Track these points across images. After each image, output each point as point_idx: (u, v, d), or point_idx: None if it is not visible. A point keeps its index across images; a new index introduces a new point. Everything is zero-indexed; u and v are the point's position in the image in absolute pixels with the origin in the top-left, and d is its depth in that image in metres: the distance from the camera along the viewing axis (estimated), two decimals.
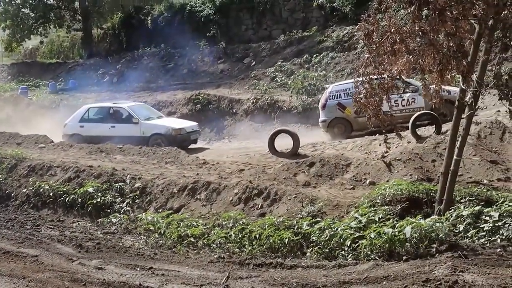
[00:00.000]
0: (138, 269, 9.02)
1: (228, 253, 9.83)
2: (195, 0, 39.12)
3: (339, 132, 19.78)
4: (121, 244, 10.80)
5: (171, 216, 11.61)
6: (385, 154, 13.17)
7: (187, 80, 34.08)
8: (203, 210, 12.06)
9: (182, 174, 13.87)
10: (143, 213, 12.19)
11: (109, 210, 12.89)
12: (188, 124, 22.42)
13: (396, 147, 13.94)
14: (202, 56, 36.44)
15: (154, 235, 11.03)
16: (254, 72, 31.60)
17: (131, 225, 11.94)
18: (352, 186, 12.12)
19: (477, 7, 8.55)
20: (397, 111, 18.36)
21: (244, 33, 37.46)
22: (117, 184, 13.68)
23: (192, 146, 21.77)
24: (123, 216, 12.32)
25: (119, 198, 13.21)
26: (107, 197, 13.20)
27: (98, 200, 13.14)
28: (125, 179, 13.84)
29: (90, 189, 13.41)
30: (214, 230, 10.77)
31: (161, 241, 10.77)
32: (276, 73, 30.34)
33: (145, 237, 11.17)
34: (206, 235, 10.62)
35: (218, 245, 10.20)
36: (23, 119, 29.02)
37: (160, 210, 12.36)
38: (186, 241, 10.54)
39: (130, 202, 13.02)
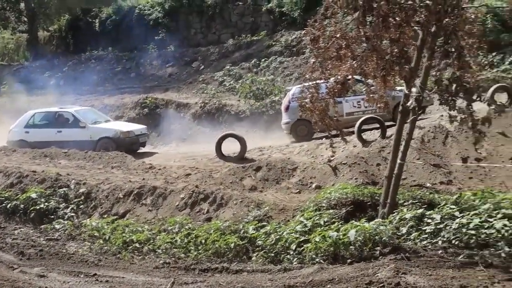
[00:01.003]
0: (82, 276, 8.85)
1: (173, 259, 9.75)
2: (144, 3, 38.77)
3: (301, 133, 19.77)
4: (64, 251, 10.58)
5: (116, 221, 11.49)
6: (331, 158, 13.29)
7: (135, 84, 33.75)
8: (149, 215, 11.95)
9: (128, 179, 13.72)
10: (88, 219, 12.02)
11: (52, 216, 12.65)
12: (136, 127, 22.23)
13: (342, 151, 14.10)
14: (150, 60, 36.13)
15: (99, 241, 10.86)
16: (203, 76, 31.53)
17: (75, 231, 11.73)
18: (298, 190, 12.19)
19: (420, 14, 8.70)
20: (360, 112, 18.59)
21: (193, 37, 37.32)
22: (61, 189, 13.45)
23: (140, 150, 21.55)
24: (67, 222, 12.10)
25: (63, 204, 12.98)
26: (51, 203, 12.96)
27: (42, 206, 12.88)
28: (70, 185, 13.61)
29: (33, 195, 13.13)
30: (159, 235, 10.68)
31: (105, 247, 10.60)
32: (225, 77, 30.33)
33: (89, 244, 10.98)
34: (151, 241, 10.52)
35: (164, 250, 10.11)
36: None
37: (105, 216, 12.20)
38: (131, 247, 10.42)
39: (75, 208, 12.82)
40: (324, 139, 16.01)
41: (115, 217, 11.95)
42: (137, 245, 10.40)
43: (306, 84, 10.21)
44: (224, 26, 36.84)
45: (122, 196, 12.64)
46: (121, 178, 14.01)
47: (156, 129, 26.64)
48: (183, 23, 37.55)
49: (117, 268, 9.44)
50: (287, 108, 20.30)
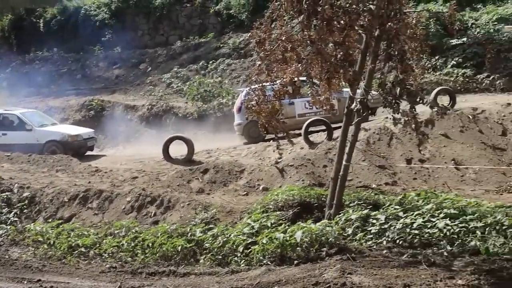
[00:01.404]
0: (25, 282, 8.69)
1: (120, 263, 9.63)
2: (90, 3, 38.21)
3: (254, 135, 19.70)
4: (7, 257, 10.35)
5: (61, 226, 11.25)
6: (279, 160, 13.38)
7: (81, 86, 33.20)
8: (95, 219, 11.81)
9: (74, 183, 13.52)
10: (32, 224, 11.75)
11: None
12: (84, 131, 21.91)
13: (289, 153, 14.20)
14: (97, 61, 35.65)
15: (43, 246, 10.64)
16: (150, 78, 31.31)
17: (19, 236, 11.46)
18: (245, 192, 12.24)
19: (364, 18, 8.83)
20: (312, 113, 18.69)
21: (140, 38, 36.95)
22: (4, 194, 13.14)
23: (88, 153, 21.23)
24: (10, 227, 11.82)
25: (6, 209, 12.69)
26: None
27: None
28: (13, 189, 13.32)
29: None
30: (106, 239, 10.54)
31: (50, 252, 10.39)
32: (172, 79, 30.17)
33: (33, 249, 10.74)
34: (97, 245, 10.36)
35: (110, 254, 9.98)
36: None
37: (50, 220, 11.97)
38: (76, 251, 10.25)
39: (18, 213, 12.54)
40: (271, 141, 16.08)
41: (60, 221, 11.72)
42: (83, 249, 10.24)
43: (253, 86, 10.24)
44: (171, 27, 36.63)
45: (67, 200, 12.44)
46: (66, 181, 13.79)
47: (103, 131, 26.27)
48: (130, 24, 37.14)
49: (62, 273, 9.28)
50: (239, 110, 20.25)
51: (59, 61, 36.65)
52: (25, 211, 12.60)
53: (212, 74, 29.72)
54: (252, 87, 10.16)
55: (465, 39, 23.52)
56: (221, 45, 32.19)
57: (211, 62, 30.84)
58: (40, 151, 19.62)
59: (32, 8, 41.59)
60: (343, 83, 9.72)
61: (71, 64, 36.08)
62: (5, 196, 13.01)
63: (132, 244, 10.03)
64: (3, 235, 11.61)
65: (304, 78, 9.99)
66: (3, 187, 13.42)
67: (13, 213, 12.51)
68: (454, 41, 23.69)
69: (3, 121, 21.61)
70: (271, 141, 16.19)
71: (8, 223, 12.13)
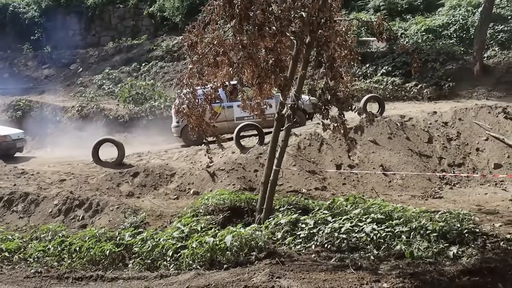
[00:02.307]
0: None
1: (46, 267, 9.39)
2: (19, 0, 37.19)
3: (192, 137, 19.45)
4: None
5: None
6: (210, 164, 13.35)
7: (8, 85, 32.19)
8: (20, 222, 11.50)
9: None
10: None
11: None
12: (13, 131, 21.14)
13: (221, 157, 14.20)
14: (25, 60, 34.71)
15: None
16: (81, 79, 30.75)
17: None
18: (176, 196, 12.17)
19: (295, 24, 8.94)
20: (250, 117, 18.63)
21: (71, 38, 36.19)
22: None
23: (17, 154, 20.60)
24: None
25: None
26: None
27: None
28: None
29: None
30: (31, 243, 10.28)
31: None
32: (104, 81, 29.73)
33: None
34: (22, 249, 10.11)
35: (36, 259, 9.73)
36: None
37: None
38: (0, 256, 9.93)
39: None
40: (202, 145, 16.04)
41: None
42: (6, 254, 9.95)
43: (184, 90, 10.20)
44: (104, 28, 36.13)
45: None
46: None
47: (31, 133, 25.51)
48: (60, 24, 36.31)
49: None
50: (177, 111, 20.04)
51: None
52: None
53: (145, 76, 29.46)
54: (184, 91, 10.13)
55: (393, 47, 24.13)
56: (154, 48, 31.97)
57: (143, 64, 30.60)
58: None
59: None
60: (274, 88, 9.84)
61: None
62: None
63: (59, 249, 9.80)
64: None
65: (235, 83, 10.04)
66: None
67: None
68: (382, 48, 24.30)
69: None
70: (202, 144, 16.17)
71: None
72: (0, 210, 11.89)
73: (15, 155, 20.20)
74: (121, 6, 35.69)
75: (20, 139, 21.04)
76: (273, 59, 8.80)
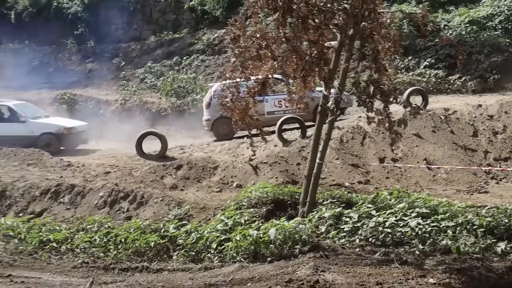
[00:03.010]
0: None
1: (92, 258, 9.55)
2: None
3: (223, 131, 19.59)
4: None
5: (32, 220, 11.12)
6: (252, 157, 13.37)
7: (53, 79, 32.79)
8: (67, 214, 11.69)
9: (45, 177, 13.37)
10: (2, 218, 11.58)
11: None
12: (79, 124, 21.57)
13: (263, 150, 14.21)
14: (69, 55, 35.30)
15: (14, 241, 10.48)
16: (123, 72, 31.12)
17: None
18: (219, 189, 12.22)
19: (338, 17, 8.88)
20: (281, 111, 18.70)
21: (114, 33, 36.64)
22: None
23: (82, 146, 20.94)
24: None
25: None
26: None
27: None
28: None
29: None
30: (78, 234, 10.43)
31: (21, 247, 10.25)
32: (146, 74, 30.05)
33: (3, 243, 10.56)
34: (69, 240, 10.26)
35: (82, 250, 9.89)
36: None
37: (21, 215, 11.82)
38: (48, 246, 10.13)
39: None
40: (245, 138, 16.08)
41: (32, 215, 11.60)
42: (54, 244, 10.12)
43: (228, 82, 10.24)
44: (145, 22, 36.46)
45: (38, 194, 12.30)
46: (37, 175, 13.63)
47: None
48: (103, 18, 36.77)
49: (33, 268, 9.16)
50: (208, 105, 20.18)
51: (31, 54, 36.14)
52: None
53: (186, 70, 29.65)
54: (226, 83, 10.16)
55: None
56: (195, 41, 32.11)
57: (185, 58, 30.78)
58: (35, 144, 19.27)
59: (2, 0, 41.00)
60: (318, 81, 9.79)
61: (43, 57, 35.64)
62: None
63: (105, 240, 9.95)
64: None
65: (278, 76, 10.02)
66: None
67: None
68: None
69: None
70: (245, 138, 16.21)
71: None
72: (47, 202, 12.12)
73: (78, 147, 20.54)
74: (162, 0, 35.93)
75: (85, 131, 21.36)
76: (316, 52, 8.76)
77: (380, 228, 8.74)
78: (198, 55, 30.70)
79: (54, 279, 8.47)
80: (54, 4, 37.39)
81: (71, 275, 8.70)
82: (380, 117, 9.21)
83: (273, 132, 16.21)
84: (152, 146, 16.70)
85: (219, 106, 19.39)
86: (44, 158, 15.76)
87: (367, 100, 9.13)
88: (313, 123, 16.69)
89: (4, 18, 39.34)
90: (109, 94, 28.91)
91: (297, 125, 16.70)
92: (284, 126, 16.45)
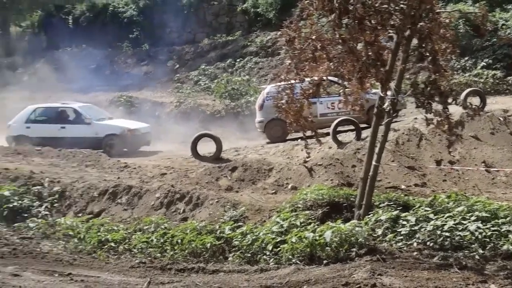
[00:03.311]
0: (57, 275, 8.71)
1: (149, 258, 9.67)
2: (118, 0, 38.51)
3: (276, 133, 19.65)
4: (38, 250, 10.42)
5: (91, 220, 11.33)
6: (307, 159, 13.32)
7: (109, 82, 33.45)
8: (124, 214, 11.87)
9: (103, 178, 13.63)
10: (62, 218, 11.85)
11: (26, 215, 12.37)
12: (142, 125, 21.98)
13: (317, 152, 14.16)
14: (125, 58, 35.97)
15: (73, 240, 10.72)
16: (178, 75, 31.50)
17: (50, 230, 11.53)
18: (274, 191, 12.21)
19: (395, 17, 8.78)
20: (334, 113, 18.64)
21: (168, 36, 37.13)
22: (35, 187, 13.21)
23: (144, 148, 21.35)
24: (41, 221, 11.88)
25: (37, 202, 12.74)
26: (24, 201, 12.68)
27: (15, 204, 12.58)
28: (44, 183, 13.42)
29: (6, 193, 12.83)
30: (135, 235, 10.57)
31: (80, 246, 10.47)
32: (200, 77, 30.35)
33: (64, 242, 10.82)
34: (127, 240, 10.41)
35: (139, 250, 10.02)
36: None
37: (80, 215, 12.05)
38: (106, 246, 10.30)
39: (49, 206, 12.61)
40: (299, 140, 16.05)
41: (90, 216, 11.81)
42: (112, 244, 10.29)
43: (281, 84, 10.24)
44: (199, 25, 36.81)
45: (97, 195, 12.53)
46: (95, 176, 13.90)
47: None
48: (157, 22, 37.35)
49: (92, 267, 9.32)
50: (261, 107, 20.26)
51: (88, 57, 36.95)
52: (55, 205, 12.68)
53: (240, 72, 29.82)
54: (281, 85, 10.17)
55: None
56: (249, 44, 32.28)
57: (238, 60, 30.97)
58: (99, 145, 19.86)
59: (61, 5, 42.06)
60: (374, 83, 9.71)
61: (100, 61, 36.38)
62: (36, 190, 13.10)
63: (161, 240, 10.05)
64: (35, 228, 11.68)
65: (333, 78, 9.98)
66: (34, 181, 13.54)
67: (44, 206, 12.57)
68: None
69: (61, 114, 21.78)
70: (299, 140, 16.18)
71: (39, 217, 12.20)
72: (105, 202, 12.33)
73: (140, 149, 20.95)
74: (215, 3, 36.23)
75: (148, 132, 21.72)
76: (373, 53, 8.68)
77: (438, 232, 8.57)
78: (252, 57, 30.85)
79: (112, 278, 8.60)
80: (110, 8, 38.17)
81: (129, 275, 8.83)
82: (439, 119, 9.06)
83: (326, 134, 16.13)
84: (206, 148, 16.84)
85: (272, 108, 19.63)
86: (102, 159, 16.08)
87: (426, 101, 8.99)
88: (367, 125, 16.63)
89: (63, 23, 40.40)
90: (164, 96, 29.30)
91: (351, 127, 16.59)
92: (338, 128, 16.34)
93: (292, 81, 9.96)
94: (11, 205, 12.59)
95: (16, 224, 12.13)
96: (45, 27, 42.21)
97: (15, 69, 38.51)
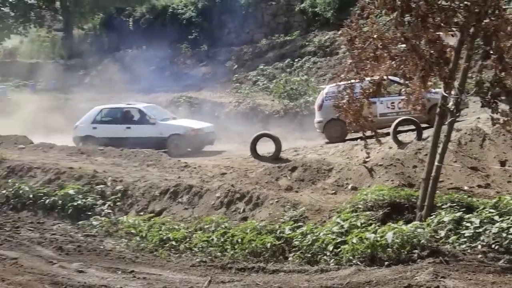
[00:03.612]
0: (119, 272, 8.88)
1: (210, 257, 9.75)
2: (178, 2, 39.01)
3: (335, 134, 19.59)
4: (102, 247, 10.66)
5: (152, 219, 11.50)
6: (367, 160, 13.19)
7: (169, 82, 33.94)
8: (185, 213, 11.98)
9: (164, 177, 13.79)
10: (125, 216, 12.05)
11: (90, 213, 12.64)
12: (205, 125, 22.22)
13: (377, 152, 13.99)
14: (184, 59, 36.42)
15: (136, 238, 10.91)
16: (236, 75, 31.69)
17: (112, 228, 11.76)
18: (334, 191, 12.13)
19: (459, 15, 8.61)
20: (393, 113, 18.44)
21: (226, 37, 37.45)
22: (98, 186, 13.46)
23: (208, 148, 21.62)
24: (104, 219, 12.13)
25: (100, 201, 12.98)
26: (88, 200, 12.95)
27: (79, 202, 12.87)
28: (107, 182, 13.67)
29: (71, 191, 13.17)
30: (196, 233, 10.66)
31: (142, 245, 10.65)
32: (258, 77, 30.45)
33: (126, 240, 11.02)
34: (188, 239, 10.51)
35: (200, 249, 10.11)
36: (1, 119, 28.78)
37: (142, 213, 12.22)
38: (167, 244, 10.44)
39: (111, 205, 12.83)
40: (359, 140, 15.89)
41: (152, 214, 11.96)
42: (173, 243, 10.42)
43: (341, 84, 10.18)
44: (257, 25, 36.97)
45: (158, 194, 12.69)
46: (157, 176, 14.08)
47: None
48: (216, 23, 37.71)
49: (154, 265, 9.47)
50: (320, 107, 20.20)
51: (148, 59, 37.55)
52: (118, 203, 12.89)
53: (298, 72, 29.79)
54: (341, 85, 10.11)
55: None
56: (307, 43, 32.22)
57: (296, 60, 30.94)
58: (163, 144, 20.27)
59: (122, 7, 42.92)
60: (437, 82, 9.55)
61: (160, 62, 36.91)
62: (99, 189, 13.37)
63: (222, 240, 10.11)
64: (98, 226, 11.94)
65: (394, 78, 9.85)
66: (97, 180, 13.82)
67: (107, 205, 12.81)
68: None
69: (126, 115, 22.22)
70: (358, 140, 16.03)
71: (102, 215, 12.46)
72: (167, 201, 12.47)
73: (203, 149, 21.27)
74: (273, 3, 36.31)
75: (212, 132, 21.97)
76: (436, 51, 8.53)
77: (504, 235, 8.37)
78: (310, 57, 30.78)
79: (174, 277, 8.71)
80: (170, 10, 38.70)
81: (190, 273, 8.92)
82: (506, 119, 8.83)
83: (386, 134, 15.93)
84: (266, 147, 16.86)
85: (331, 108, 19.56)
86: (163, 159, 16.27)
87: (492, 100, 8.78)
88: (428, 125, 16.36)
89: (124, 25, 41.23)
90: (222, 96, 29.51)
91: (411, 127, 16.35)
92: (399, 128, 16.13)
93: (352, 81, 9.88)
94: (75, 203, 12.90)
95: (80, 222, 12.44)
96: (107, 29, 43.16)
97: (77, 71, 39.49)
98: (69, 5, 44.90)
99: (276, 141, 16.50)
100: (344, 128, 19.00)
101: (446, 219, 9.08)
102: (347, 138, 18.75)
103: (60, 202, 13.18)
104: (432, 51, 8.56)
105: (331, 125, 19.58)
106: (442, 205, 9.79)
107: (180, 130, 21.06)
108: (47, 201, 13.38)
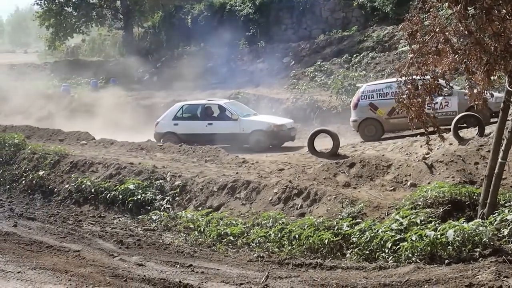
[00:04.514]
0: (178, 266, 9.02)
1: (267, 253, 9.80)
2: None
3: (369, 133, 19.53)
4: (161, 241, 10.86)
5: (210, 214, 11.61)
6: (427, 156, 12.97)
7: (226, 79, 34.13)
8: (243, 209, 12.03)
9: (222, 173, 13.88)
10: (183, 211, 12.21)
11: (149, 207, 12.91)
12: (287, 121, 22.25)
13: (437, 148, 13.75)
14: (241, 55, 36.55)
15: (194, 233, 11.05)
16: (294, 71, 31.59)
17: (171, 222, 11.97)
18: (392, 188, 11.96)
19: None
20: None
21: (283, 33, 37.42)
22: (158, 181, 13.70)
23: (288, 143, 21.62)
24: (163, 214, 12.35)
25: (159, 196, 13.22)
26: (148, 194, 13.20)
27: (139, 197, 13.14)
28: (166, 177, 13.88)
29: (131, 186, 13.46)
30: (253, 229, 10.73)
31: (200, 239, 10.78)
32: (316, 73, 30.28)
33: (184, 235, 11.19)
34: (245, 234, 10.59)
35: (258, 244, 10.17)
36: (65, 116, 29.55)
37: (200, 208, 12.34)
38: (225, 239, 10.54)
39: (170, 200, 13.03)
40: (418, 136, 15.64)
41: (210, 209, 12.07)
42: (231, 238, 10.51)
43: (398, 80, 10.02)
44: (314, 21, 36.80)
45: (216, 190, 12.79)
46: (215, 171, 14.19)
47: None
48: (273, 19, 37.74)
49: (212, 260, 9.57)
50: (355, 106, 20.10)
51: (205, 56, 37.87)
52: (176, 198, 13.07)
53: (356, 67, 29.51)
54: (402, 80, 9.93)
55: None
56: (365, 39, 31.91)
57: (354, 55, 30.63)
58: (245, 141, 20.54)
59: (180, 5, 43.42)
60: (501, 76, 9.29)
61: (217, 59, 37.15)
62: (158, 184, 13.59)
63: (279, 235, 10.14)
64: (157, 220, 12.17)
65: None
66: (157, 175, 14.03)
67: (166, 200, 13.02)
68: None
69: (207, 111, 22.35)
70: (418, 136, 15.79)
71: (161, 210, 12.67)
72: (224, 197, 12.55)
73: (283, 144, 21.29)
74: None
75: (293, 128, 22.04)
76: (501, 44, 8.28)
77: None
78: (368, 52, 30.46)
79: (231, 271, 8.77)
80: (227, 7, 38.89)
81: (247, 268, 8.97)
82: None
83: (447, 130, 15.60)
84: (323, 143, 16.77)
85: (366, 107, 19.45)
86: (221, 155, 16.38)
87: None
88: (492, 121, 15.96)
89: (182, 23, 41.69)
90: (280, 92, 29.49)
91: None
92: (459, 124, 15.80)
93: (414, 76, 9.71)
94: (135, 198, 13.18)
95: (140, 216, 12.70)
96: (166, 27, 43.72)
97: (137, 69, 40.14)
98: (129, 4, 45.73)
99: (334, 137, 16.40)
100: (378, 127, 18.99)
101: (509, 217, 8.85)
102: (382, 137, 18.77)
103: (120, 196, 13.49)
104: (496, 45, 8.31)
105: (366, 124, 19.58)
106: (505, 203, 9.56)
107: (263, 126, 21.07)
108: (108, 195, 13.72)
